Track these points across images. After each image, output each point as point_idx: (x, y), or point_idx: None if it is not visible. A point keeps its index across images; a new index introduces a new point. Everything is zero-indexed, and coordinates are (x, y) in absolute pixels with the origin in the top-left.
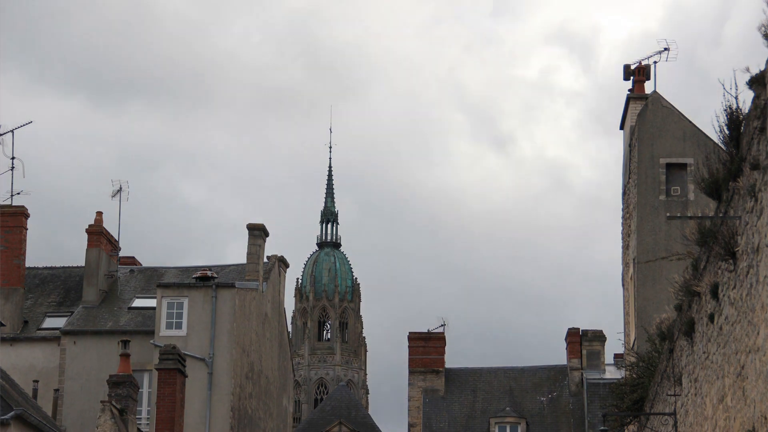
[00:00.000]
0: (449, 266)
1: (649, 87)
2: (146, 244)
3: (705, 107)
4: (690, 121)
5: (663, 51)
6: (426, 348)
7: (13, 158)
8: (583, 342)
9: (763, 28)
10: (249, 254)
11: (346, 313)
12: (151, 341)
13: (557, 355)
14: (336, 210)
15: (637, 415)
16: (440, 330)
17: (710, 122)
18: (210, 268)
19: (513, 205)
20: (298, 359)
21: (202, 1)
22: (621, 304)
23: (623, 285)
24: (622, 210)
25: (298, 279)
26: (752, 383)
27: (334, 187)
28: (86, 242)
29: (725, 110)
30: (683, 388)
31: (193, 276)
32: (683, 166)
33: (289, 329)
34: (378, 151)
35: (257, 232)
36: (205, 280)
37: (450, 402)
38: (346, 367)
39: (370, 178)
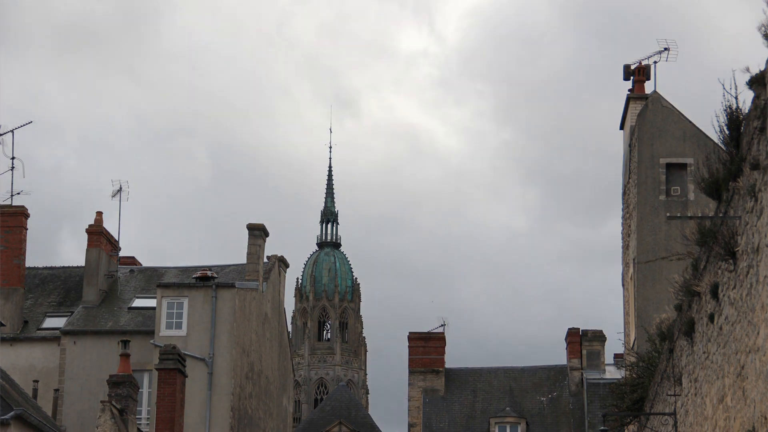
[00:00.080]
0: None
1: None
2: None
3: (705, 107)
4: (690, 121)
5: (663, 51)
6: (426, 348)
7: (13, 158)
8: (583, 342)
9: (763, 28)
10: (249, 254)
11: (346, 313)
12: (151, 341)
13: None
14: (336, 210)
15: (637, 415)
16: (440, 330)
17: (710, 122)
18: (210, 268)
19: (374, 172)
20: (298, 359)
21: None
22: (514, 278)
23: (623, 285)
24: (622, 210)
25: (298, 279)
26: (752, 383)
27: (334, 187)
28: (86, 242)
29: (725, 110)
30: (683, 388)
31: (193, 276)
32: (683, 166)
33: (289, 329)
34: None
35: (257, 232)
36: (205, 280)
37: (450, 402)
38: (346, 367)
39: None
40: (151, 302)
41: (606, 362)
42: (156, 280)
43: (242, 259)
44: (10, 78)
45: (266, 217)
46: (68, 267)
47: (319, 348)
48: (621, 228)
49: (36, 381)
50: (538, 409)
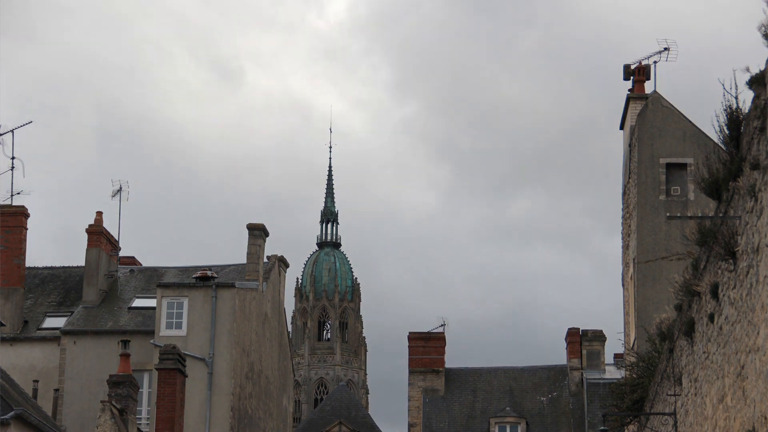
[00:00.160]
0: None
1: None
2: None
3: (705, 107)
4: (690, 121)
5: (663, 51)
6: (426, 348)
7: (13, 158)
8: (583, 342)
9: (763, 28)
10: (249, 254)
11: (346, 313)
12: (151, 341)
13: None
14: (336, 210)
15: (637, 415)
16: (440, 330)
17: (710, 122)
18: (210, 268)
19: (269, 147)
20: (298, 359)
21: None
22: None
23: (623, 285)
24: (622, 210)
25: (298, 279)
26: (752, 383)
27: (334, 187)
28: (86, 242)
29: (725, 110)
30: (683, 388)
31: (193, 276)
32: (683, 166)
33: (289, 329)
34: None
35: (257, 232)
36: (205, 280)
37: (450, 402)
38: (346, 367)
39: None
40: (151, 302)
41: (606, 362)
42: (156, 280)
43: (242, 259)
44: None
45: (266, 218)
46: (68, 267)
47: (319, 348)
48: (621, 228)
49: (36, 381)
50: (538, 409)
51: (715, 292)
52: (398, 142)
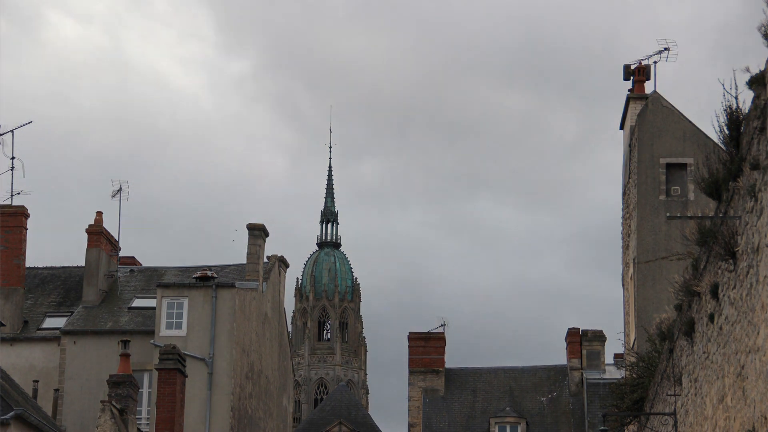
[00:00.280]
0: None
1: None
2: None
3: (705, 107)
4: (690, 121)
5: (663, 51)
6: (426, 348)
7: (13, 158)
8: (583, 342)
9: (763, 28)
10: (249, 254)
11: (346, 313)
12: (151, 341)
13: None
14: (336, 210)
15: (637, 415)
16: (440, 330)
17: (710, 122)
18: (210, 268)
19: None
20: (298, 359)
21: None
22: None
23: (623, 285)
24: (622, 210)
25: (298, 279)
26: (752, 383)
27: (334, 187)
28: (86, 242)
29: (725, 110)
30: (683, 388)
31: (193, 276)
32: (683, 166)
33: (289, 329)
34: None
35: (257, 232)
36: (205, 280)
37: (450, 402)
38: (346, 367)
39: None
40: (151, 302)
41: (606, 362)
42: (156, 280)
43: (242, 259)
44: None
45: (266, 217)
46: (68, 267)
47: (319, 348)
48: (621, 228)
49: (36, 381)
50: (538, 409)
51: (715, 292)
52: (234, 102)
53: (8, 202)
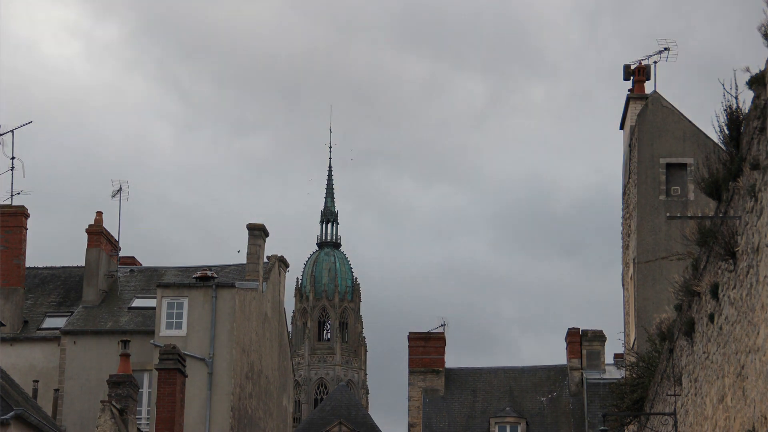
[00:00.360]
0: None
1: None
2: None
3: (706, 107)
4: (690, 121)
5: (663, 51)
6: (426, 348)
7: (13, 158)
8: (583, 342)
9: (763, 28)
10: (249, 254)
11: (346, 313)
12: (151, 341)
13: None
14: (336, 210)
15: (637, 415)
16: (440, 330)
17: (710, 122)
18: (210, 268)
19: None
20: (298, 359)
21: None
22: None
23: (623, 285)
24: (622, 210)
25: (298, 279)
26: (752, 383)
27: (334, 187)
28: (86, 242)
29: (725, 110)
30: (683, 388)
31: (193, 276)
32: (683, 166)
33: (289, 329)
34: None
35: (257, 232)
36: (205, 280)
37: (450, 402)
38: (346, 367)
39: None
40: (151, 302)
41: (606, 362)
42: (156, 280)
43: (242, 259)
44: None
45: (266, 217)
46: (68, 267)
47: (319, 348)
48: (621, 228)
49: (36, 381)
50: (538, 409)
51: (715, 292)
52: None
53: (8, 202)
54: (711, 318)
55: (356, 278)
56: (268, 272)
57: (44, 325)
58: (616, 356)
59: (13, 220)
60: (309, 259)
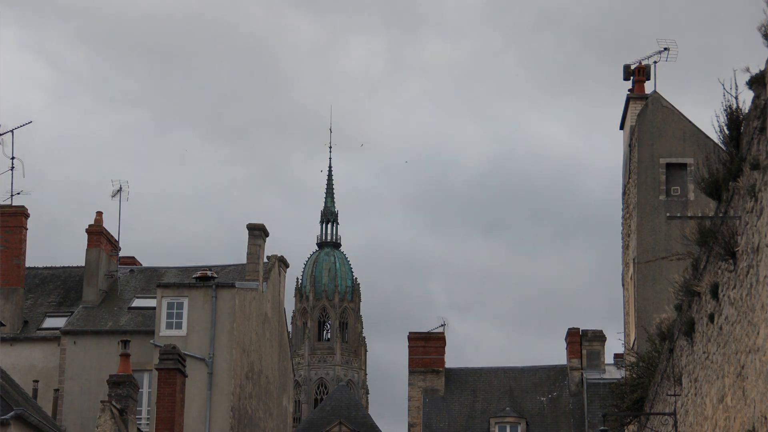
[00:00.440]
0: None
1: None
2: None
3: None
4: (690, 121)
5: (663, 51)
6: (426, 348)
7: (13, 158)
8: (583, 342)
9: (763, 28)
10: (249, 254)
11: (346, 313)
12: (151, 341)
13: None
14: (336, 210)
15: (637, 415)
16: (440, 330)
17: (710, 122)
18: (210, 268)
19: None
20: (298, 359)
21: None
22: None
23: (623, 285)
24: (622, 210)
25: (298, 279)
26: (752, 383)
27: (334, 187)
28: (86, 242)
29: (725, 110)
30: (683, 388)
31: (193, 276)
32: (683, 166)
33: (289, 329)
34: None
35: (257, 232)
36: (205, 280)
37: (450, 402)
38: (346, 367)
39: None
40: (151, 302)
41: (606, 362)
42: (156, 280)
43: (242, 259)
44: None
45: (266, 217)
46: (68, 267)
47: (319, 348)
48: (621, 228)
49: (36, 381)
50: (538, 409)
51: (715, 292)
52: None
53: (8, 202)
54: (711, 318)
55: (356, 278)
56: (268, 272)
57: (44, 325)
58: (616, 356)
59: (13, 220)
60: (309, 259)
